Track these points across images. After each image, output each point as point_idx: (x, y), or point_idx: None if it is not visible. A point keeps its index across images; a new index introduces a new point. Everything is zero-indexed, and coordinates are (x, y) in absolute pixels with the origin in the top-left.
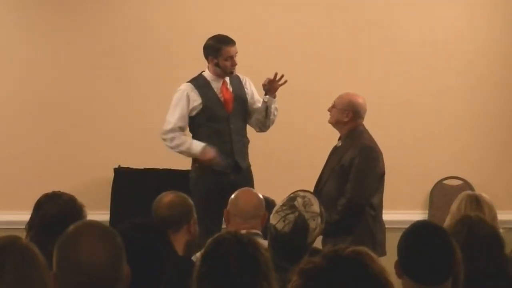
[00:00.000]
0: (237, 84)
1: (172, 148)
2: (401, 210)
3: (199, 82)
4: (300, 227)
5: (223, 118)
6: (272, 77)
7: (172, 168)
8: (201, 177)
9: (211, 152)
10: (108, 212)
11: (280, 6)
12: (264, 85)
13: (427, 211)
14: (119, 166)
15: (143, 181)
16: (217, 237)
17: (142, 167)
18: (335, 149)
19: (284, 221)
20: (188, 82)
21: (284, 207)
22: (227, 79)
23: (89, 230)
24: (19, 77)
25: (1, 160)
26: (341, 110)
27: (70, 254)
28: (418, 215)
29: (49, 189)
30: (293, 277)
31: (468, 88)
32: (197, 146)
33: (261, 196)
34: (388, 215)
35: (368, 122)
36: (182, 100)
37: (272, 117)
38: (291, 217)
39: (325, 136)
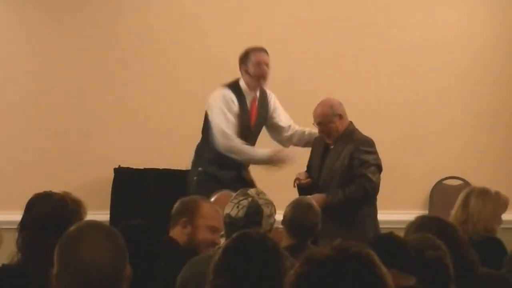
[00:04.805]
0: (263, 101)
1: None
2: (401, 210)
3: (236, 91)
4: (254, 211)
5: (245, 132)
6: None
7: (172, 168)
8: (203, 182)
9: (281, 152)
10: (108, 212)
11: (280, 6)
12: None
13: (427, 211)
14: (119, 166)
15: (143, 181)
16: (244, 233)
17: (142, 167)
18: (327, 150)
19: (237, 207)
20: (227, 87)
21: (237, 196)
22: (257, 94)
23: (91, 230)
24: (19, 77)
25: (0, 160)
26: (328, 122)
27: (73, 254)
28: (418, 215)
29: (49, 189)
30: (297, 264)
31: (468, 88)
32: (263, 153)
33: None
34: (388, 215)
35: (368, 122)
36: (229, 106)
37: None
38: (245, 202)
39: None
